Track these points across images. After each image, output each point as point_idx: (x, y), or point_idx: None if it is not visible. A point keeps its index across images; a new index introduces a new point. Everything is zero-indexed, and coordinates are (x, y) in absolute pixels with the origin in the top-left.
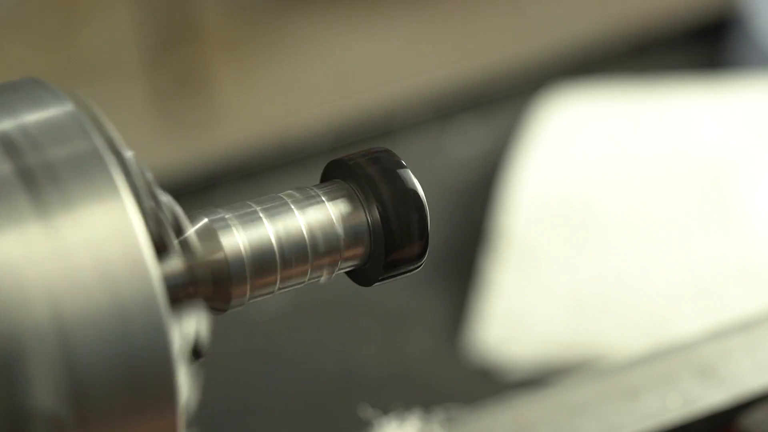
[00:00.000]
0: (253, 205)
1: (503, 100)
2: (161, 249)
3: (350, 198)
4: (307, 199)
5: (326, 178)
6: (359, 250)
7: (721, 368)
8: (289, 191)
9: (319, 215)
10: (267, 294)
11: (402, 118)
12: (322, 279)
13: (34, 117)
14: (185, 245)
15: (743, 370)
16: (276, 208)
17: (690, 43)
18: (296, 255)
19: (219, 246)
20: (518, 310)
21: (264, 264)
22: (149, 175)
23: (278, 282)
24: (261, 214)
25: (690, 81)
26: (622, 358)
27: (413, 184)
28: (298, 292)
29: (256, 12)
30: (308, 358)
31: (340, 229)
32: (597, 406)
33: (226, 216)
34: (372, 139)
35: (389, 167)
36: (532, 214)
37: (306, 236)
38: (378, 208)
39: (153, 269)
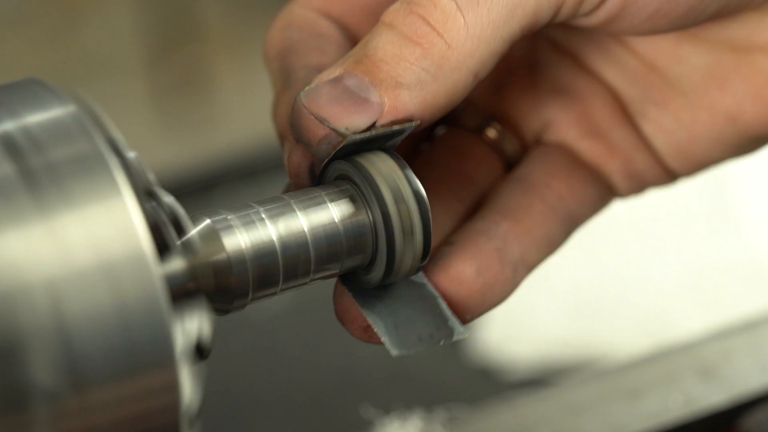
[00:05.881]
0: (256, 206)
1: None
2: (163, 248)
3: (352, 199)
4: (309, 200)
5: (328, 178)
6: (361, 251)
7: (722, 368)
8: (292, 192)
9: (322, 216)
10: (270, 295)
11: None
12: (325, 279)
13: (35, 117)
14: (187, 245)
15: (745, 370)
16: (278, 209)
17: None
18: (298, 256)
19: (221, 247)
20: (518, 309)
21: (266, 265)
22: (151, 176)
23: (281, 283)
24: (263, 215)
25: None
26: (623, 358)
27: (415, 184)
28: (300, 291)
29: (256, 12)
30: (310, 357)
31: (342, 229)
32: (598, 406)
33: (229, 217)
34: None
35: (391, 167)
36: None
37: (308, 237)
38: (380, 209)
39: (155, 268)
